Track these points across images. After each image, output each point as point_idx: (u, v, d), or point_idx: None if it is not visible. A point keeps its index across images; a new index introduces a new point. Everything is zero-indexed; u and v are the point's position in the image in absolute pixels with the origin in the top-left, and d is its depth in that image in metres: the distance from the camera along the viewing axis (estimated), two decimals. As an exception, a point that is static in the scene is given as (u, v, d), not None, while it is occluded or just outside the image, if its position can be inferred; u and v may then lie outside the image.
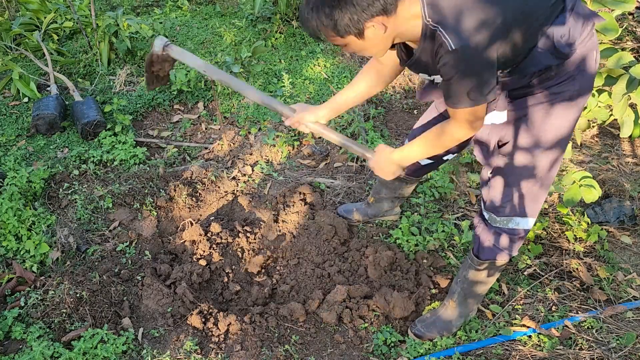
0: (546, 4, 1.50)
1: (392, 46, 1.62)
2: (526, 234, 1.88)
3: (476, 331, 2.14)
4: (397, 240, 2.52)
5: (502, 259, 1.93)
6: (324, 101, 3.57)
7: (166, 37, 4.25)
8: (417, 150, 1.82)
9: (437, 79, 1.62)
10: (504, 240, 1.88)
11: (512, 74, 1.60)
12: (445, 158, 2.17)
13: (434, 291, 2.32)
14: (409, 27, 1.48)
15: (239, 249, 2.58)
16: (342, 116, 3.35)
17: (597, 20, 1.57)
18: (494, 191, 1.82)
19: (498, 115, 1.68)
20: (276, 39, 4.16)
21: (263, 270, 2.49)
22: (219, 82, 1.95)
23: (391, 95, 3.67)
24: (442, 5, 1.42)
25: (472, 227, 2.20)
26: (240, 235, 2.60)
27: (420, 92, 1.93)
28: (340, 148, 3.14)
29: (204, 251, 2.51)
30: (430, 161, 2.19)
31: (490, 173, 1.84)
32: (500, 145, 1.76)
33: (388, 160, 1.88)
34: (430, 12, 1.43)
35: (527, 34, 1.50)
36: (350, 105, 2.01)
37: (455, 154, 2.17)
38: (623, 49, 3.33)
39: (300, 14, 1.47)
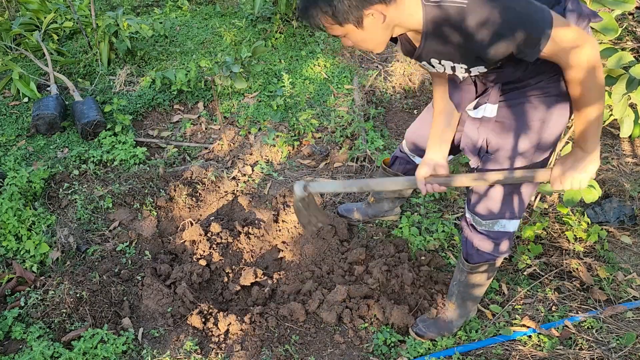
0: None
1: (395, 40, 1.60)
2: (513, 234, 1.85)
3: (476, 331, 2.14)
4: (402, 234, 2.52)
5: (493, 261, 1.92)
6: (324, 101, 3.58)
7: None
8: (592, 119, 1.49)
9: (448, 67, 1.56)
10: (490, 243, 1.85)
11: (506, 66, 1.55)
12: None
13: (433, 291, 2.31)
14: (408, 15, 1.44)
15: (239, 249, 2.58)
16: (342, 116, 3.35)
17: (593, 19, 1.56)
18: (492, 202, 1.77)
19: (490, 108, 1.64)
20: (276, 39, 4.16)
21: (261, 274, 2.49)
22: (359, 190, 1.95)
23: (391, 95, 3.67)
24: None
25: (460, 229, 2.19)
26: (240, 235, 2.60)
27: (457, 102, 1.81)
28: (341, 148, 3.14)
29: (204, 251, 2.51)
30: None
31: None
32: (493, 150, 1.73)
33: (578, 165, 1.57)
34: None
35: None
36: (449, 137, 1.84)
37: (454, 155, 2.16)
38: (623, 49, 3.33)
39: (299, 3, 1.46)
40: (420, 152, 2.15)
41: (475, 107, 1.70)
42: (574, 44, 1.36)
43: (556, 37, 1.34)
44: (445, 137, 1.83)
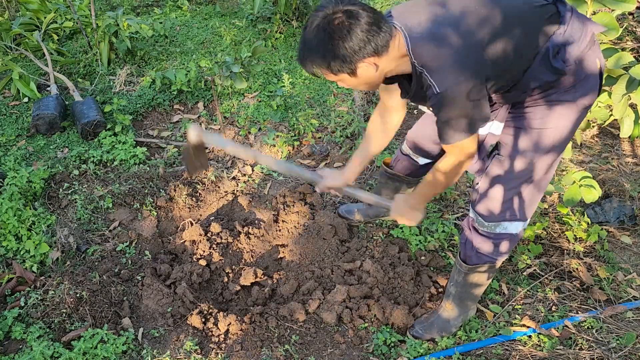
0: (537, 25, 1.53)
1: (391, 81, 1.68)
2: (516, 236, 1.85)
3: (476, 331, 2.14)
4: (403, 234, 2.52)
5: (492, 263, 1.91)
6: (324, 101, 3.58)
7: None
8: (428, 192, 1.87)
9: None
10: (490, 245, 1.86)
11: (512, 91, 1.62)
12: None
13: (433, 291, 2.31)
14: (399, 64, 1.56)
15: (239, 249, 2.58)
16: (342, 116, 3.35)
17: (595, 30, 1.57)
18: (493, 202, 1.78)
19: (497, 126, 1.71)
20: (276, 39, 4.16)
21: (262, 274, 2.49)
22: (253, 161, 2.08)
23: (391, 95, 3.67)
24: (424, 49, 1.49)
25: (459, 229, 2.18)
26: (240, 235, 2.60)
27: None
28: (341, 148, 3.14)
29: (204, 251, 2.51)
30: (428, 160, 2.19)
31: (482, 178, 1.81)
32: (496, 148, 1.75)
33: (406, 207, 1.92)
34: (414, 54, 1.50)
35: (518, 62, 1.54)
36: (367, 163, 2.12)
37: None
38: (623, 49, 3.33)
39: (297, 53, 1.56)
40: (422, 152, 2.16)
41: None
42: (460, 156, 1.64)
43: (459, 145, 1.59)
44: (360, 168, 2.10)
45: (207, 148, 2.14)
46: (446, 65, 1.47)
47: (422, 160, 2.20)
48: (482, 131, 1.73)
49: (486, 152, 1.78)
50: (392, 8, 1.60)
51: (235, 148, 2.00)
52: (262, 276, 2.43)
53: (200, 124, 3.42)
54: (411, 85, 1.61)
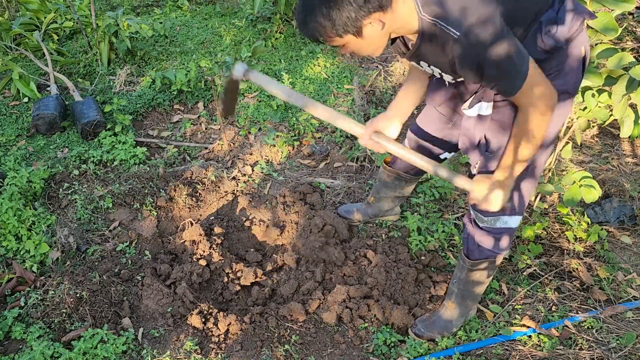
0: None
1: (392, 42, 1.62)
2: (514, 230, 1.87)
3: (476, 331, 2.14)
4: (409, 235, 2.52)
5: (493, 259, 1.93)
6: (324, 101, 3.58)
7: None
8: (507, 164, 1.67)
9: (436, 72, 1.62)
10: (491, 239, 1.87)
11: None
12: (442, 157, 2.16)
13: (433, 292, 2.31)
14: (405, 21, 1.47)
15: (239, 249, 2.58)
16: (342, 116, 3.35)
17: (587, 17, 1.57)
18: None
19: (485, 106, 1.68)
20: (276, 39, 4.16)
21: (262, 273, 2.49)
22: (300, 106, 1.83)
23: (391, 95, 3.67)
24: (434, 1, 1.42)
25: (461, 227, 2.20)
26: (240, 235, 2.60)
27: (428, 96, 1.93)
28: (341, 148, 3.14)
29: (204, 251, 2.51)
30: (427, 158, 2.16)
31: (478, 173, 1.80)
32: (495, 149, 1.74)
33: (494, 189, 1.70)
34: (423, 5, 1.43)
35: (519, 24, 1.49)
36: (409, 111, 1.93)
37: (453, 154, 2.16)
38: (623, 49, 3.33)
39: (297, 17, 1.46)
40: (422, 149, 2.14)
41: (470, 107, 1.72)
42: (537, 99, 1.48)
43: (524, 90, 1.46)
44: (411, 104, 1.91)
45: (238, 91, 1.96)
46: (462, 6, 1.38)
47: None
48: (470, 112, 1.73)
49: (481, 144, 1.76)
50: None
51: (281, 90, 1.76)
52: (262, 276, 2.43)
53: (201, 123, 3.43)
54: (414, 43, 1.53)
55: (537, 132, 1.55)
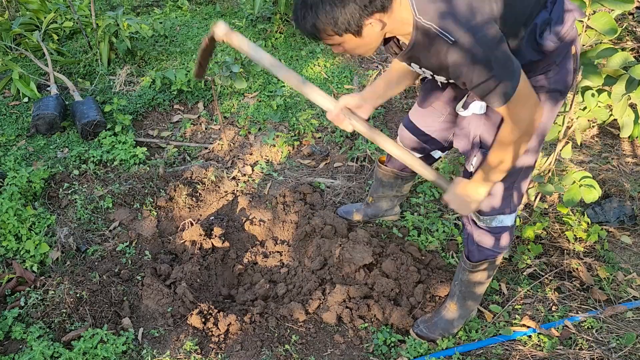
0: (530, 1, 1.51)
1: (385, 42, 1.62)
2: (512, 227, 1.87)
3: (476, 331, 2.14)
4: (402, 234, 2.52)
5: (493, 259, 1.93)
6: (324, 101, 3.58)
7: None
8: (485, 171, 1.69)
9: (427, 74, 1.63)
10: (491, 238, 1.88)
11: None
12: (436, 156, 2.15)
13: (433, 292, 2.31)
14: (401, 23, 1.47)
15: (239, 249, 2.58)
16: (342, 116, 3.35)
17: (577, 15, 1.58)
18: (494, 199, 1.79)
19: (479, 105, 1.68)
20: (276, 39, 4.16)
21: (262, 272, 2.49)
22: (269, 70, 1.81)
23: (391, 95, 3.67)
24: (430, 3, 1.42)
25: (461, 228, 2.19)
26: (240, 235, 2.60)
27: (421, 97, 1.94)
28: (341, 148, 3.14)
29: (204, 251, 2.50)
30: (418, 155, 2.15)
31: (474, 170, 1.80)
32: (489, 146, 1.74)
33: (468, 194, 1.74)
34: (419, 9, 1.43)
35: (513, 27, 1.50)
36: (386, 96, 1.93)
37: (446, 152, 2.17)
38: (623, 49, 3.33)
39: (296, 13, 1.44)
40: (414, 146, 2.14)
41: (464, 107, 1.73)
42: (516, 119, 1.49)
43: (509, 105, 1.46)
44: (388, 92, 1.91)
45: (212, 53, 1.97)
46: (459, 12, 1.38)
47: (416, 155, 2.18)
48: (465, 112, 1.73)
49: (475, 142, 1.77)
50: None
51: (258, 54, 1.77)
52: (262, 276, 2.43)
53: (201, 123, 3.43)
54: (407, 44, 1.52)
55: (517, 148, 1.58)
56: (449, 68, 1.45)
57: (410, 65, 1.65)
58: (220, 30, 1.75)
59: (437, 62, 1.49)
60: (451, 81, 1.66)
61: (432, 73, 1.62)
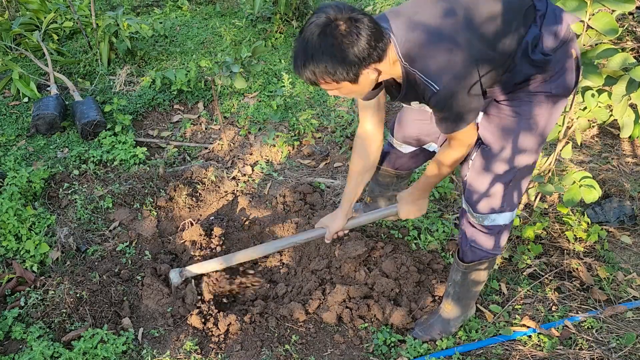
0: (514, 24, 1.56)
1: (378, 86, 1.70)
2: (505, 228, 1.86)
3: (476, 331, 2.14)
4: (410, 238, 2.52)
5: (486, 260, 1.92)
6: (324, 101, 3.59)
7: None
8: (431, 182, 1.97)
9: (427, 108, 1.71)
10: (484, 238, 1.87)
11: (496, 86, 1.65)
12: (430, 150, 2.17)
13: (433, 292, 2.31)
14: (392, 68, 1.57)
15: (239, 249, 2.57)
16: (342, 116, 3.35)
17: (571, 20, 1.62)
18: (494, 199, 1.79)
19: (480, 115, 1.76)
20: (276, 39, 4.16)
21: (263, 271, 2.49)
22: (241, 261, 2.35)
23: (391, 95, 3.67)
24: (412, 50, 1.51)
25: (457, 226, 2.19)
26: (240, 235, 2.60)
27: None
28: (341, 148, 3.14)
29: (204, 251, 2.50)
30: (413, 148, 2.19)
31: (472, 172, 1.84)
32: (497, 150, 1.76)
33: (412, 205, 2.09)
34: (404, 56, 1.52)
35: (501, 57, 1.57)
36: (358, 195, 2.15)
37: (442, 144, 2.17)
38: (623, 49, 3.33)
39: (296, 60, 1.49)
40: (405, 140, 2.17)
41: None
42: (456, 145, 1.74)
43: (456, 135, 1.69)
44: (359, 189, 2.12)
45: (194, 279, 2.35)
46: (440, 63, 1.50)
47: (407, 148, 2.20)
48: None
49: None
50: (378, 15, 1.60)
51: (211, 264, 2.27)
52: (262, 276, 2.43)
53: (201, 123, 3.43)
54: (401, 88, 1.63)
55: (452, 165, 1.83)
56: (429, 104, 1.60)
57: (410, 104, 1.80)
58: (175, 279, 2.27)
59: (422, 99, 1.61)
60: None
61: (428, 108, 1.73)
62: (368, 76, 1.50)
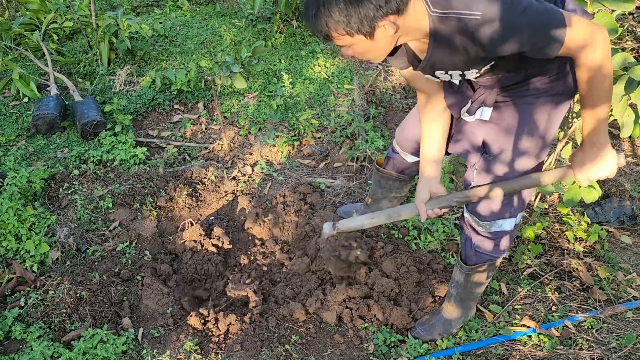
0: None
1: (393, 52, 1.59)
2: (512, 232, 1.85)
3: (476, 331, 2.14)
4: (410, 239, 2.52)
5: (491, 262, 1.92)
6: (324, 101, 3.58)
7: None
8: (603, 113, 1.50)
9: (455, 75, 1.57)
10: (490, 243, 1.86)
11: (497, 86, 1.61)
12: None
13: (434, 292, 2.31)
14: (416, 24, 1.42)
15: (239, 249, 2.58)
16: (342, 116, 3.35)
17: (580, 14, 1.57)
18: (494, 204, 1.78)
19: (486, 111, 1.67)
20: (276, 39, 4.16)
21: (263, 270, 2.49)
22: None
23: (391, 95, 3.67)
24: None
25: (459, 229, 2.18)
26: (240, 235, 2.60)
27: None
28: (341, 148, 3.14)
29: (204, 251, 2.50)
30: (416, 158, 2.14)
31: (478, 177, 1.79)
32: (497, 152, 1.74)
33: (592, 156, 1.57)
34: (434, 4, 1.38)
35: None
36: (441, 154, 1.87)
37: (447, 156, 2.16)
38: (623, 49, 3.33)
39: (307, 10, 1.36)
40: (410, 149, 2.14)
41: (470, 113, 1.71)
42: (584, 44, 1.37)
43: (568, 41, 1.35)
44: (439, 155, 1.85)
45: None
46: None
47: (411, 158, 2.18)
48: (470, 118, 1.72)
49: (476, 146, 1.76)
50: None
51: (370, 220, 1.95)
52: (263, 276, 2.43)
53: (201, 123, 3.43)
54: (427, 50, 1.46)
55: (606, 62, 1.41)
56: (485, 48, 1.37)
57: (434, 75, 1.60)
58: (326, 230, 2.01)
59: (466, 53, 1.42)
60: (470, 77, 1.59)
61: (460, 72, 1.55)
62: (385, 31, 1.37)
